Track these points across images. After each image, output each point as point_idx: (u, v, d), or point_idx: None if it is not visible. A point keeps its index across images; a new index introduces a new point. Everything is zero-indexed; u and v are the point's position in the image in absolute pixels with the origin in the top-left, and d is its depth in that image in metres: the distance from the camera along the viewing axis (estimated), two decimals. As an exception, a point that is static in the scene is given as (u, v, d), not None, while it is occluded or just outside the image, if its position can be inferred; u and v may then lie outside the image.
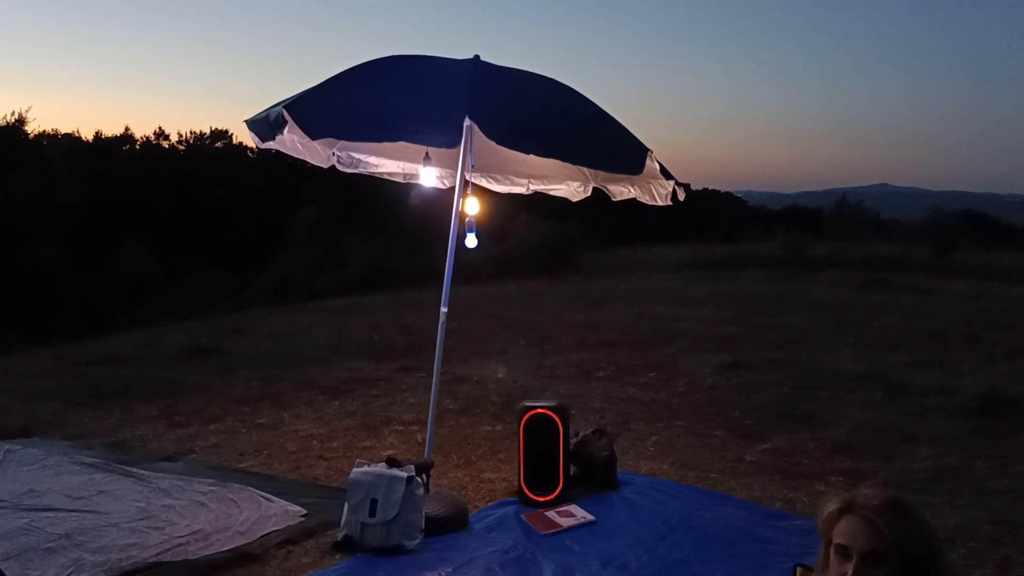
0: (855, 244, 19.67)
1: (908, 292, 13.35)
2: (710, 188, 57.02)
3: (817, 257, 18.45)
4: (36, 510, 4.22)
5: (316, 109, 3.82)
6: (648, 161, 4.05)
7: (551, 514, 4.23)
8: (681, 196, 4.56)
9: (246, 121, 4.20)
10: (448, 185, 5.17)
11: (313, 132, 3.86)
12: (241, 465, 5.14)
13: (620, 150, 4.17)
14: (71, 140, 35.50)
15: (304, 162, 4.86)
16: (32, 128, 24.09)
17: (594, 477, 4.65)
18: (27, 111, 22.98)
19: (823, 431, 5.86)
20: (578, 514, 4.24)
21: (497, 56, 4.40)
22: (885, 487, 2.41)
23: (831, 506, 2.00)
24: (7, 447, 5.29)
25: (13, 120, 22.64)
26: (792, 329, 9.97)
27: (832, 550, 1.93)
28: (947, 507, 4.43)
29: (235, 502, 4.35)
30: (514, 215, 19.55)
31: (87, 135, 37.47)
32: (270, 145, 4.18)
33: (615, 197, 5.03)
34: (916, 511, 1.96)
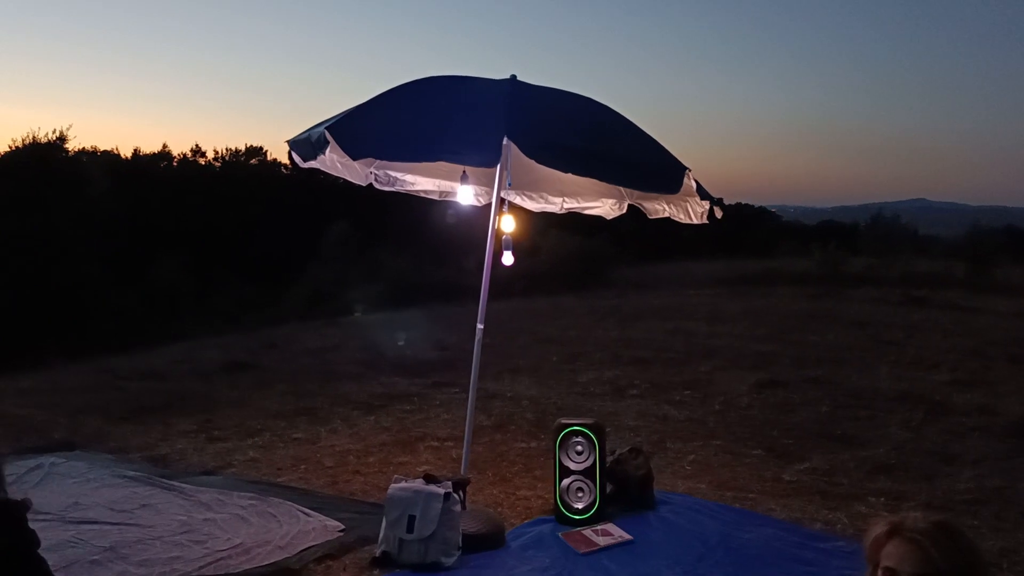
0: (892, 260, 19.38)
1: (948, 310, 13.13)
2: (743, 203, 56.66)
3: (853, 273, 18.23)
4: (81, 523, 4.29)
5: (357, 130, 3.88)
6: (686, 180, 4.05)
7: (588, 533, 4.22)
8: (719, 215, 4.55)
9: (288, 141, 4.28)
10: (483, 202, 5.21)
11: (354, 153, 3.92)
12: (279, 480, 5.20)
13: (657, 169, 4.18)
14: (110, 157, 36.21)
15: (336, 178, 4.92)
16: (72, 146, 24.62)
17: (631, 496, 4.63)
18: (67, 129, 23.52)
19: (863, 451, 5.79)
20: (615, 533, 4.23)
21: (533, 75, 4.43)
22: (933, 510, 2.38)
23: (878, 529, 1.97)
24: (52, 460, 5.39)
25: (54, 138, 23.14)
26: (829, 347, 9.87)
27: (879, 573, 1.91)
28: (991, 530, 4.35)
29: (275, 516, 4.40)
30: (544, 230, 19.57)
31: (126, 152, 38.19)
32: (311, 164, 4.25)
33: (650, 215, 5.03)
34: (965, 535, 1.93)
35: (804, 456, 5.68)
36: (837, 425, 6.47)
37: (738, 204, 53.14)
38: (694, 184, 4.18)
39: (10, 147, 22.62)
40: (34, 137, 22.67)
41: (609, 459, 4.64)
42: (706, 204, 4.48)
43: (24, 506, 2.18)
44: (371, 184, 5.09)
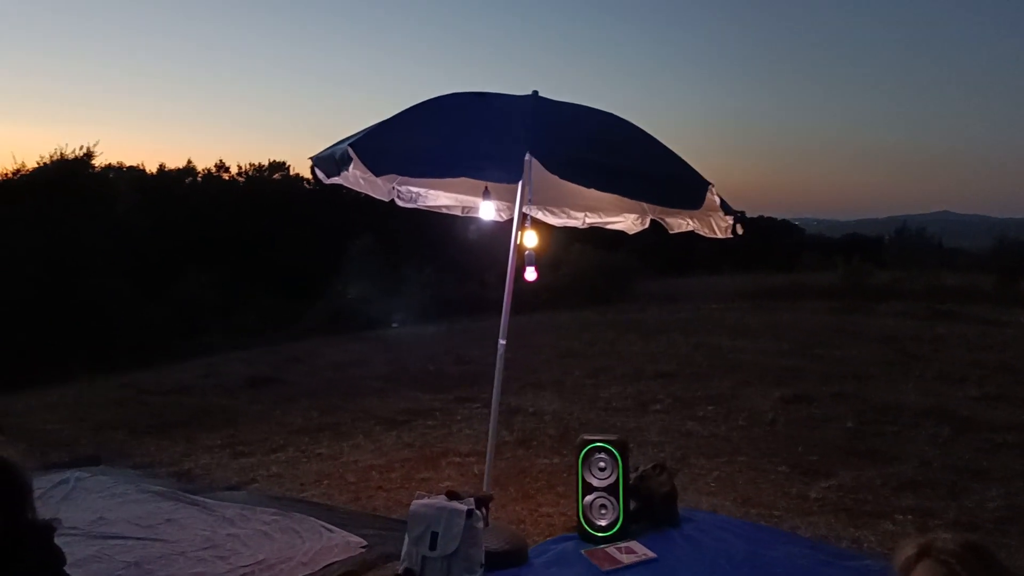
0: (917, 274, 19.19)
1: (974, 323, 12.96)
2: (766, 215, 56.35)
3: (878, 287, 18.06)
4: (106, 538, 4.33)
5: (379, 147, 3.89)
6: (708, 195, 4.03)
7: (612, 550, 4.19)
8: (740, 231, 4.52)
9: (312, 158, 4.31)
10: (505, 218, 5.21)
11: (377, 169, 3.94)
12: (303, 495, 5.21)
13: (680, 184, 4.16)
14: (136, 173, 36.60)
15: (359, 193, 4.94)
16: (99, 162, 24.89)
17: (655, 513, 4.59)
18: (94, 145, 23.77)
19: (889, 467, 5.71)
20: (639, 551, 4.19)
21: (555, 91, 4.44)
22: (962, 529, 2.34)
23: (907, 551, 1.94)
24: (77, 475, 5.44)
25: (81, 154, 23.42)
26: (854, 361, 9.76)
27: (909, 597, 1.87)
28: (1021, 549, 4.27)
29: (298, 532, 4.41)
30: (566, 244, 19.56)
31: (152, 168, 38.61)
32: (335, 181, 4.28)
33: (673, 229, 5.01)
34: (996, 557, 1.89)
35: (830, 473, 5.61)
36: (863, 441, 6.40)
37: (761, 217, 52.88)
38: (717, 199, 4.16)
39: (38, 163, 22.91)
40: (61, 154, 22.95)
41: (632, 476, 4.61)
42: (730, 219, 4.45)
43: (52, 527, 2.20)
44: (394, 200, 5.12)
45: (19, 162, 23.74)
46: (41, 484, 5.12)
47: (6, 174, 23.69)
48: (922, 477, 5.48)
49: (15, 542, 2.06)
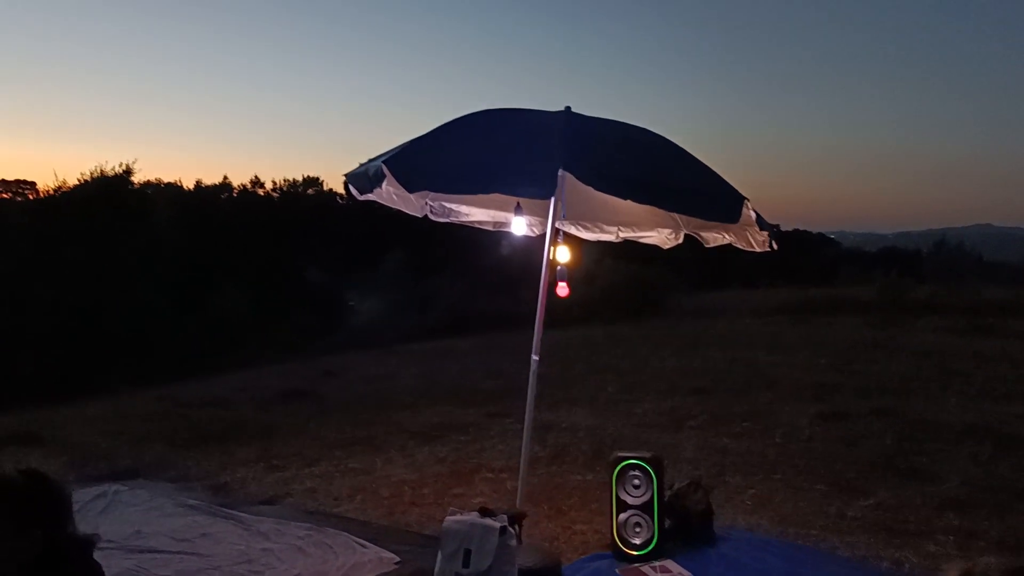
0: (957, 288, 18.83)
1: (1017, 339, 12.66)
2: (801, 229, 55.69)
3: (917, 301, 17.74)
4: (143, 551, 4.37)
5: (413, 163, 3.91)
6: (744, 210, 4.00)
7: (647, 569, 4.15)
8: (775, 246, 4.48)
9: (346, 175, 4.34)
10: (538, 233, 5.21)
11: (411, 186, 3.95)
12: (336, 510, 5.23)
13: (716, 198, 4.13)
14: (174, 189, 37.20)
15: (391, 208, 4.96)
16: (138, 178, 25.35)
17: (690, 531, 4.54)
18: (133, 162, 24.24)
19: (930, 486, 5.58)
20: (675, 570, 4.14)
21: (588, 106, 4.43)
22: (1008, 553, 2.28)
23: (950, 574, 1.89)
24: (115, 488, 5.51)
25: (121, 171, 23.87)
26: (894, 377, 9.58)
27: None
28: (1072, 573, 4.14)
29: (331, 547, 4.42)
30: (599, 258, 19.47)
31: (189, 184, 39.20)
32: (368, 197, 4.30)
33: (708, 244, 4.97)
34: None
35: (869, 491, 5.50)
36: (903, 458, 6.26)
37: (796, 231, 52.27)
38: (753, 214, 4.12)
39: (79, 180, 23.40)
40: (102, 171, 23.42)
41: (668, 493, 4.56)
42: (765, 233, 4.41)
43: (92, 543, 2.23)
44: (427, 215, 5.14)
45: (61, 179, 24.29)
46: (80, 497, 5.19)
47: (48, 191, 24.24)
48: (965, 496, 5.35)
49: (56, 556, 2.08)
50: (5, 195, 34.87)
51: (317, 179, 42.06)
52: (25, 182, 36.93)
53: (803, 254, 39.41)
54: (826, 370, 10.07)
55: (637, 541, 4.34)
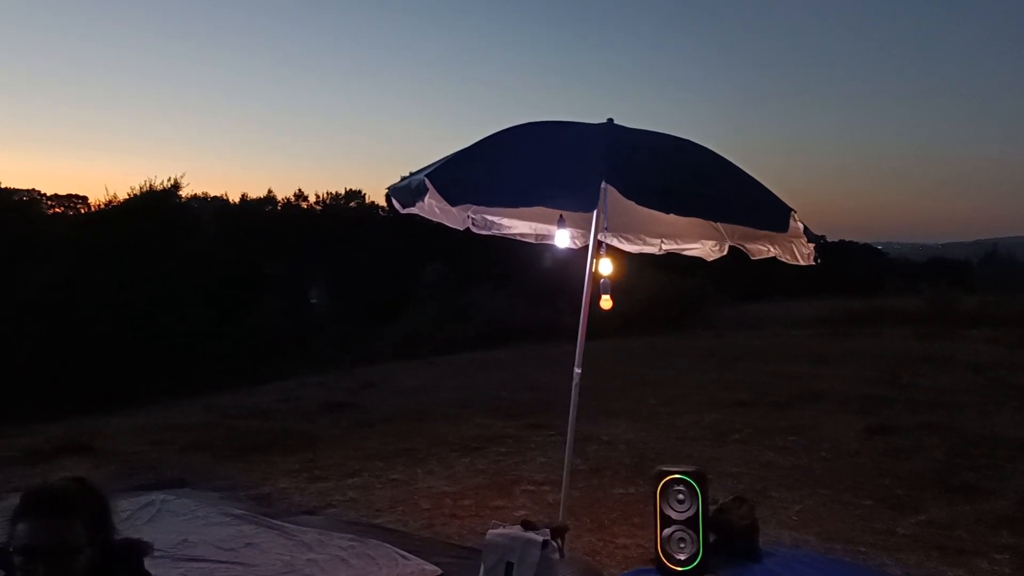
0: (1008, 299, 18.38)
1: (1073, 351, 12.33)
2: (846, 239, 54.82)
3: (967, 313, 17.35)
4: (189, 560, 4.42)
5: (455, 177, 3.92)
6: (792, 222, 3.94)
7: (691, 585, 4.08)
8: (819, 260, 4.41)
9: (389, 188, 4.37)
10: (580, 245, 5.19)
11: (453, 199, 3.96)
12: (377, 520, 5.25)
13: (763, 208, 4.08)
14: (219, 202, 37.89)
15: (432, 220, 4.97)
16: (185, 192, 25.81)
17: (735, 547, 4.46)
18: (181, 176, 24.71)
19: (984, 503, 5.44)
20: (719, 586, 4.08)
21: (631, 119, 4.41)
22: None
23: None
24: (162, 497, 5.59)
25: (168, 185, 24.35)
26: (943, 390, 9.37)
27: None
28: None
29: (373, 559, 4.43)
30: (640, 269, 19.36)
31: (234, 197, 39.89)
32: (410, 211, 4.33)
33: (754, 256, 4.89)
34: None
35: (919, 507, 5.38)
36: (955, 474, 6.11)
37: (841, 241, 51.48)
38: (801, 226, 4.06)
39: (129, 195, 23.92)
40: (151, 185, 23.92)
41: (712, 508, 4.49)
42: (812, 246, 4.34)
43: (144, 549, 2.26)
44: (468, 228, 5.14)
45: (111, 193, 24.86)
46: (128, 506, 5.28)
47: (99, 205, 24.81)
48: (1020, 514, 5.21)
49: (107, 560, 2.11)
50: (57, 209, 35.83)
51: (359, 192, 42.55)
52: (77, 197, 38.01)
53: (847, 265, 38.80)
54: (873, 383, 9.88)
55: (681, 556, 4.28)
